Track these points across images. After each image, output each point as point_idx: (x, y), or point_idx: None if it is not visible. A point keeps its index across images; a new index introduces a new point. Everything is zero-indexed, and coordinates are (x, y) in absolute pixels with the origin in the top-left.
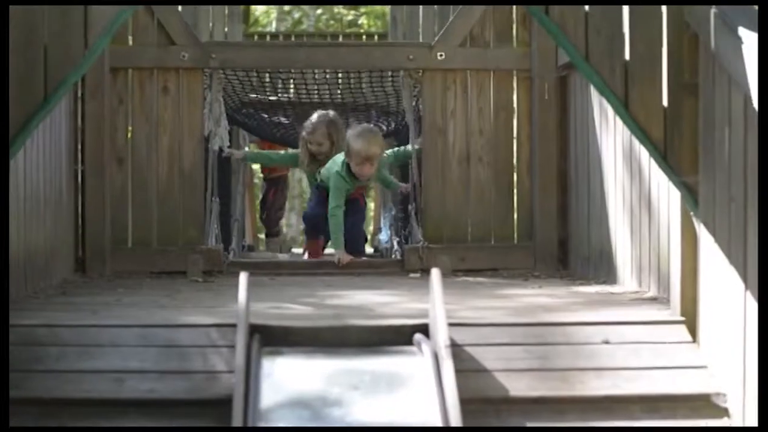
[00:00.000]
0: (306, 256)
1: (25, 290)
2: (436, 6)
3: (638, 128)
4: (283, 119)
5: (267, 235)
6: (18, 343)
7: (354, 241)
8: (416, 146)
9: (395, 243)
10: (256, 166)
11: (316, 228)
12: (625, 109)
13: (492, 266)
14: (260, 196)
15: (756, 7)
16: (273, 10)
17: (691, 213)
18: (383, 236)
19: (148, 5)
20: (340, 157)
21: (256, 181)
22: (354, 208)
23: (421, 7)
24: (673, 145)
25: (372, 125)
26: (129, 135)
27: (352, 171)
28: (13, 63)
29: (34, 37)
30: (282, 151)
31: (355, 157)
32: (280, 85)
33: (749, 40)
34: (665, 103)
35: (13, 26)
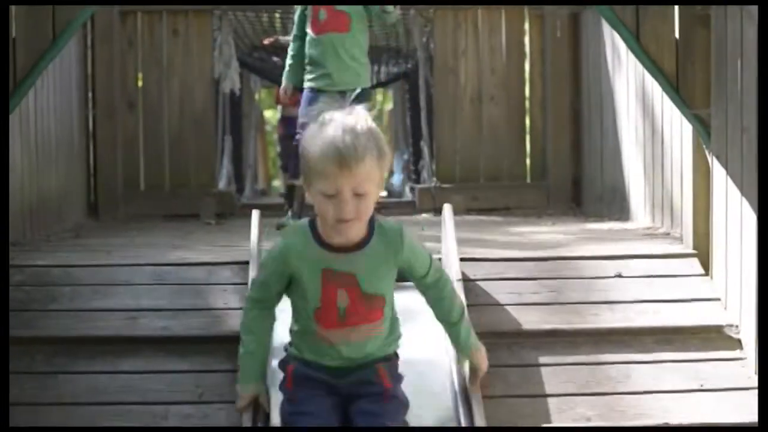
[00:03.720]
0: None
1: (38, 234)
2: None
3: (650, 61)
4: None
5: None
6: (32, 283)
7: None
8: None
9: (407, 187)
10: (267, 113)
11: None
12: (636, 42)
13: (505, 205)
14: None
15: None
16: None
17: (704, 146)
18: (396, 179)
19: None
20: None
21: (268, 128)
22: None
23: None
24: (685, 77)
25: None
26: (139, 80)
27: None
28: (20, 6)
29: None
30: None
31: (318, 182)
32: (290, 26)
33: None
34: (677, 35)
35: None
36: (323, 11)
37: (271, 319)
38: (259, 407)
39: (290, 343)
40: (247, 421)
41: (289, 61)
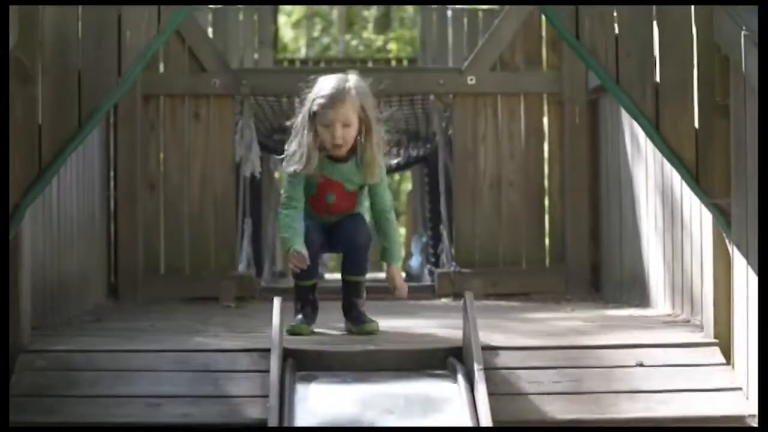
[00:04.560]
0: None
1: (59, 316)
2: (465, 30)
3: (669, 150)
4: None
5: None
6: (53, 368)
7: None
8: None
9: (426, 270)
10: None
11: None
12: (656, 131)
13: (524, 290)
14: None
15: None
16: (302, 37)
17: (724, 235)
18: (414, 262)
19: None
20: None
21: None
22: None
23: (450, 31)
24: (705, 167)
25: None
26: (161, 159)
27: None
28: (47, 91)
29: (69, 64)
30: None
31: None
32: None
33: None
34: (696, 125)
35: (48, 54)
36: (332, 195)
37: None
38: None
39: None
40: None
41: (283, 226)
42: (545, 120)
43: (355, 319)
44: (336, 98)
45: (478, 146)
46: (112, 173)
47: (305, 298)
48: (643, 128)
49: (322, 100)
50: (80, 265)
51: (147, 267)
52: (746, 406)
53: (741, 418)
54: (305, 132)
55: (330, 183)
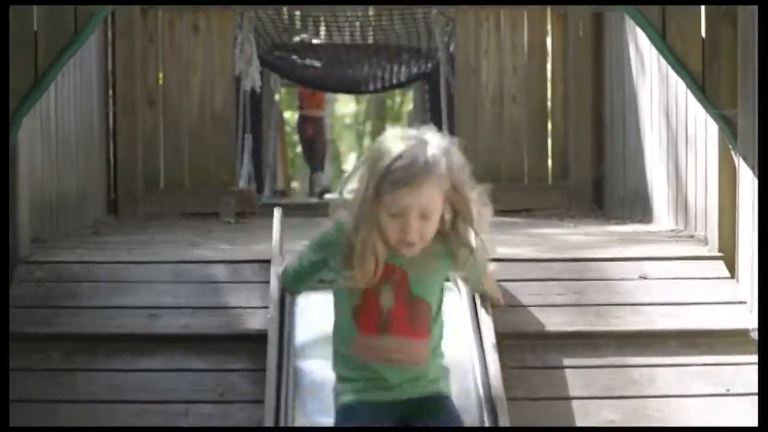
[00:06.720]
0: None
1: (58, 230)
2: None
3: (676, 60)
4: (315, 61)
5: (312, 171)
6: (51, 279)
7: None
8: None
9: None
10: (287, 114)
11: None
12: (662, 40)
13: (526, 207)
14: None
15: None
16: None
17: (730, 147)
18: None
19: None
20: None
21: (288, 129)
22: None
23: None
24: (711, 76)
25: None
26: (160, 78)
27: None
28: None
29: None
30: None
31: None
32: (311, 25)
33: None
34: (703, 34)
35: None
36: (389, 296)
37: None
38: None
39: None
40: (269, 421)
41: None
42: (549, 34)
43: None
44: (417, 176)
45: (480, 60)
46: (110, 88)
47: None
48: (650, 38)
49: (393, 175)
50: (79, 180)
51: (146, 183)
52: (750, 320)
53: (745, 331)
54: (364, 222)
55: (389, 270)
